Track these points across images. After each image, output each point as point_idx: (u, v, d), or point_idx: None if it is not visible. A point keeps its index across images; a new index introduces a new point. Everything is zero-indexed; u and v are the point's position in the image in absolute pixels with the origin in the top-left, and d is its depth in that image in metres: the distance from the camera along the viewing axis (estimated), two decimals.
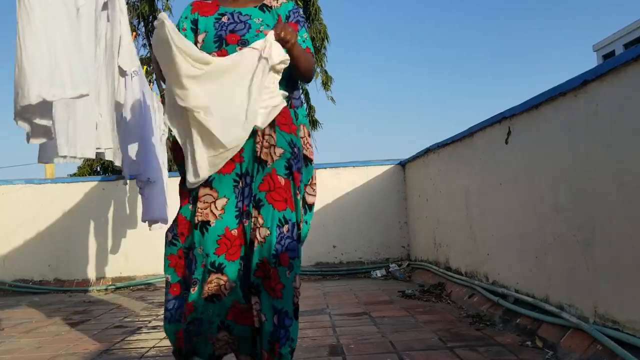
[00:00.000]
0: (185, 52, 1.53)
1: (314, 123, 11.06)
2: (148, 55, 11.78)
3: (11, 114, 1.89)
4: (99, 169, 14.11)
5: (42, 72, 1.73)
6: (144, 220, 3.69)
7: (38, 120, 1.86)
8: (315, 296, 3.59)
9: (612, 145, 1.71)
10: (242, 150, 1.66)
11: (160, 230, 3.85)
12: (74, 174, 14.10)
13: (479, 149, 2.90)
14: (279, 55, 1.62)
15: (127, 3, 2.95)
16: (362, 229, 4.74)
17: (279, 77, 1.67)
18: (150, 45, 11.71)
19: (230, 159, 1.65)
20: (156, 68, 1.71)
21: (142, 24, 10.60)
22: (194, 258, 1.63)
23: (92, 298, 4.22)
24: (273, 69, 1.63)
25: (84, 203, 4.83)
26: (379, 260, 4.75)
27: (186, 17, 1.77)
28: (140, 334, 2.65)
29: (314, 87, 11.24)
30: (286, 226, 1.62)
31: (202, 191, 1.65)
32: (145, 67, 5.77)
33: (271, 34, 1.63)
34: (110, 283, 4.70)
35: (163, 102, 4.67)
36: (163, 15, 1.49)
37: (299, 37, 1.72)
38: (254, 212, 1.63)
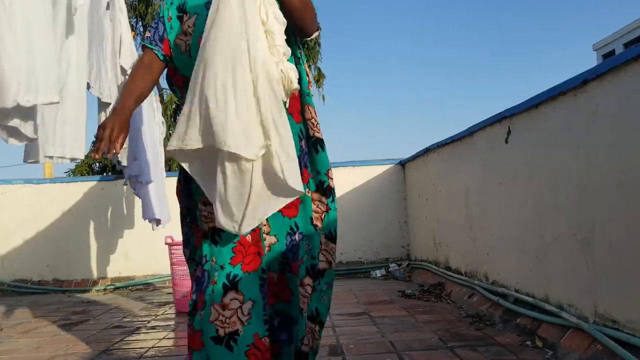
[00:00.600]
0: None
1: None
2: None
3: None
4: (97, 168, 14.10)
5: (20, 76, 1.71)
6: (145, 219, 3.68)
7: (13, 123, 1.84)
8: None
9: (612, 145, 1.71)
10: None
11: (161, 230, 3.85)
12: (72, 170, 14.08)
13: (479, 148, 2.89)
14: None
15: (125, 3, 2.94)
16: (361, 228, 4.74)
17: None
18: None
19: None
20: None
21: (140, 23, 10.59)
22: (203, 275, 1.39)
23: (91, 298, 4.21)
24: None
25: (83, 203, 4.83)
26: (378, 260, 4.75)
27: (171, 3, 1.52)
28: (139, 334, 2.65)
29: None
30: (297, 234, 1.45)
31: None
32: None
33: None
34: (109, 283, 4.69)
35: (162, 102, 4.65)
36: None
37: None
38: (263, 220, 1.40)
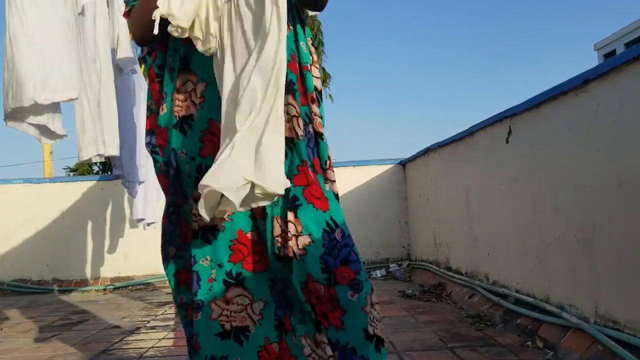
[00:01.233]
0: None
1: None
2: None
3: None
4: (97, 168, 14.11)
5: (36, 75, 1.72)
6: (135, 219, 3.70)
7: (41, 121, 1.85)
8: None
9: (613, 145, 1.70)
10: None
11: (160, 230, 3.85)
12: (72, 170, 14.08)
13: (479, 148, 2.89)
14: None
15: (125, 2, 2.93)
16: (361, 228, 4.73)
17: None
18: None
19: None
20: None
21: None
22: (194, 275, 1.24)
23: (91, 298, 4.21)
24: None
25: (83, 202, 4.82)
26: (379, 260, 4.74)
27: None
28: (139, 334, 2.65)
29: None
30: (338, 231, 1.18)
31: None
32: (142, 66, 5.76)
33: None
34: (109, 283, 4.69)
35: None
36: None
37: None
38: (290, 216, 1.17)
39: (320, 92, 1.36)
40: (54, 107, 1.86)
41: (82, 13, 2.21)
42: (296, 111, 1.23)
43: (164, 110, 1.29)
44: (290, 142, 1.21)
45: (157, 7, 1.10)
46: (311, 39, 1.39)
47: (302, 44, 1.31)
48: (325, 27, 10.25)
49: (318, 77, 1.36)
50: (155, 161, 1.36)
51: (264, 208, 1.20)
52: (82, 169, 13.21)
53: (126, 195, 4.78)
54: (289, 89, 1.23)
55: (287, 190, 1.14)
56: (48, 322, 3.12)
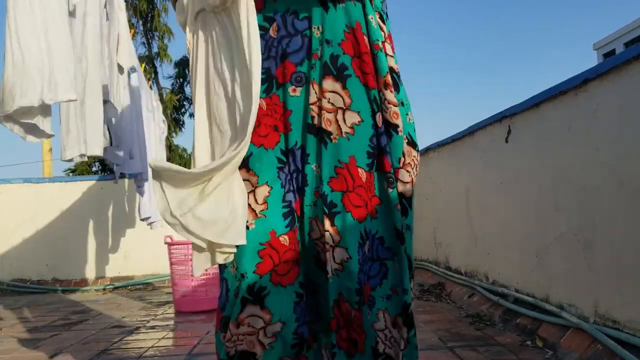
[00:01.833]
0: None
1: None
2: (146, 53, 11.77)
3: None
4: (96, 168, 14.10)
5: (44, 75, 1.72)
6: (141, 219, 3.70)
7: (35, 120, 1.85)
8: None
9: (612, 144, 1.70)
10: (287, 112, 1.10)
11: (160, 230, 3.85)
12: (71, 170, 14.07)
13: (479, 148, 2.89)
14: None
15: (125, 0, 2.92)
16: None
17: None
18: (148, 43, 11.70)
19: (272, 126, 1.10)
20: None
21: (140, 21, 10.58)
22: (223, 285, 1.11)
23: (90, 298, 4.21)
24: None
25: (82, 202, 4.82)
26: None
27: None
28: (138, 334, 2.64)
29: None
30: (367, 244, 1.07)
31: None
32: (143, 64, 5.76)
33: None
34: (108, 283, 4.68)
35: (161, 100, 4.65)
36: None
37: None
38: (327, 223, 1.04)
39: (398, 75, 1.16)
40: (47, 107, 1.86)
41: (72, 13, 2.20)
42: (344, 103, 1.07)
43: None
44: (327, 139, 1.07)
45: None
46: (380, 12, 1.17)
47: (370, 17, 1.13)
48: None
49: (393, 56, 1.16)
50: None
51: (303, 207, 1.09)
52: (81, 169, 13.21)
53: (126, 195, 4.78)
54: (340, 75, 1.08)
55: (324, 193, 1.05)
56: (48, 322, 3.12)
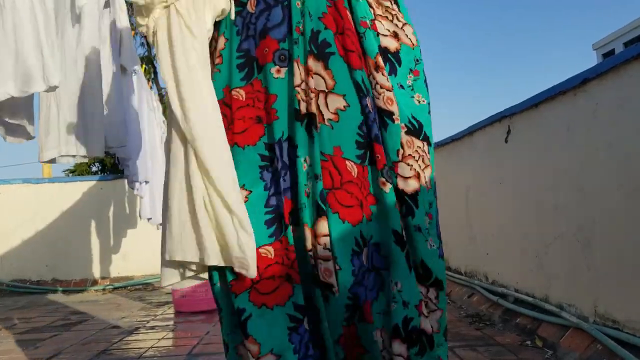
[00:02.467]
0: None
1: None
2: (146, 53, 11.76)
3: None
4: (96, 168, 14.09)
5: (37, 66, 1.71)
6: (141, 218, 3.70)
7: (16, 120, 1.84)
8: None
9: (612, 144, 1.71)
10: (271, 97, 0.95)
11: (160, 230, 3.84)
12: (71, 170, 14.07)
13: (478, 148, 2.89)
14: None
15: (126, 1, 2.92)
16: None
17: None
18: (148, 44, 11.69)
19: (254, 118, 0.95)
20: None
21: None
22: (217, 301, 1.00)
23: (90, 298, 4.20)
24: None
25: (82, 203, 4.82)
26: None
27: None
28: (138, 334, 2.64)
29: None
30: (365, 251, 0.91)
31: None
32: (143, 65, 5.76)
33: None
34: (108, 283, 4.68)
35: (161, 101, 4.66)
36: None
37: None
38: (317, 226, 0.90)
39: (395, 55, 1.01)
40: (30, 107, 1.85)
41: (78, 18, 2.20)
42: (326, 85, 0.93)
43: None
44: (313, 128, 0.92)
45: None
46: None
47: None
48: None
49: (388, 35, 1.02)
50: None
51: (296, 211, 0.92)
52: (80, 169, 13.20)
53: (126, 195, 4.78)
54: (322, 53, 0.95)
55: (315, 192, 0.90)
56: (47, 322, 3.12)
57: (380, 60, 0.97)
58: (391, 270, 0.91)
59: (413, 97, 1.01)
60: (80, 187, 4.87)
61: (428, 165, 0.98)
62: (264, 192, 0.93)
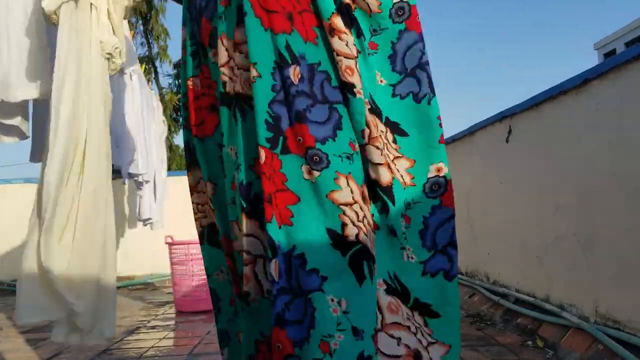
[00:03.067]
0: None
1: None
2: (146, 53, 11.78)
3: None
4: None
5: (21, 72, 1.71)
6: (140, 220, 3.70)
7: (14, 121, 1.85)
8: None
9: (613, 144, 1.70)
10: (213, 83, 0.87)
11: (161, 230, 3.84)
12: None
13: (479, 147, 2.89)
14: None
15: None
16: None
17: None
18: (148, 43, 11.72)
19: (209, 107, 0.88)
20: None
21: (140, 22, 10.58)
22: (212, 295, 0.94)
23: None
24: None
25: None
26: None
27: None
28: (138, 334, 2.64)
29: None
30: (275, 263, 0.71)
31: (193, 172, 0.93)
32: (143, 65, 5.76)
33: None
34: None
35: (161, 101, 4.65)
36: None
37: None
38: (245, 224, 0.80)
39: (355, 10, 0.81)
40: (25, 107, 1.86)
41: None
42: (230, 55, 0.79)
43: None
44: (246, 107, 0.77)
45: None
46: None
47: None
48: None
49: None
50: None
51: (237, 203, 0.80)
52: None
53: (126, 195, 4.77)
54: (241, 18, 0.80)
55: (242, 182, 0.78)
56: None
57: (336, 22, 0.77)
58: (327, 284, 0.68)
59: (377, 74, 0.83)
60: None
61: (400, 157, 0.79)
62: (229, 182, 0.83)
